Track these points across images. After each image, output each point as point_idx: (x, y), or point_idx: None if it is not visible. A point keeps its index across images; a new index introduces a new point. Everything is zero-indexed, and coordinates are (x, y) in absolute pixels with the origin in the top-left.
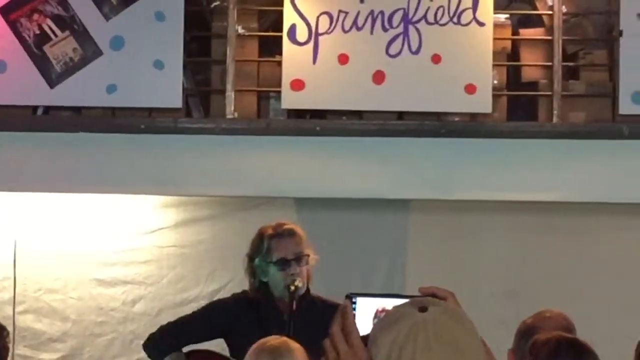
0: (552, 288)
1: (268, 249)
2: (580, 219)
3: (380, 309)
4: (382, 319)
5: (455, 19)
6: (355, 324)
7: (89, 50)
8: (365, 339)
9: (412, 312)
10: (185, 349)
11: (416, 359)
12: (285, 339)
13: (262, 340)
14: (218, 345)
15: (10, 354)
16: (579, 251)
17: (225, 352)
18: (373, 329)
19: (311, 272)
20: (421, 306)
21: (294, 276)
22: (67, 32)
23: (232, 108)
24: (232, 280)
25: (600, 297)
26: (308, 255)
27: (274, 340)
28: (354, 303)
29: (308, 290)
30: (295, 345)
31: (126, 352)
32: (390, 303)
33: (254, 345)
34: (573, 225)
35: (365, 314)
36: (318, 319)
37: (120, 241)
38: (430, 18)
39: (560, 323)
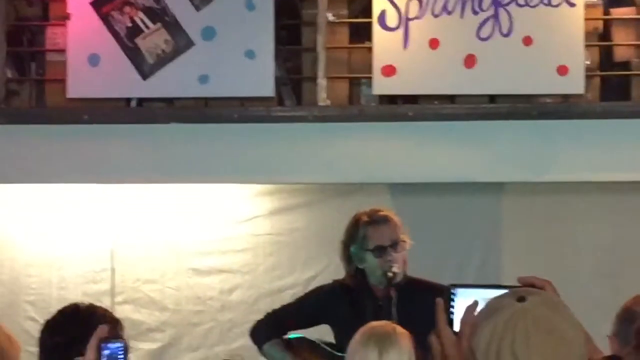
0: None
1: (364, 236)
2: None
3: (480, 299)
4: (482, 310)
5: (545, 0)
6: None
7: (181, 42)
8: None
9: (510, 303)
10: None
11: (515, 349)
12: (392, 324)
13: (370, 325)
14: (323, 330)
15: None
16: None
17: (330, 337)
18: (472, 322)
19: (406, 257)
20: (519, 296)
21: (391, 262)
22: (158, 24)
23: (324, 95)
24: (328, 267)
25: None
26: (404, 242)
27: (381, 325)
28: (454, 294)
29: (405, 274)
30: (402, 331)
31: (224, 341)
32: (490, 294)
33: (361, 330)
34: None
35: (465, 305)
36: (417, 302)
37: (215, 230)
38: (521, 0)
39: None
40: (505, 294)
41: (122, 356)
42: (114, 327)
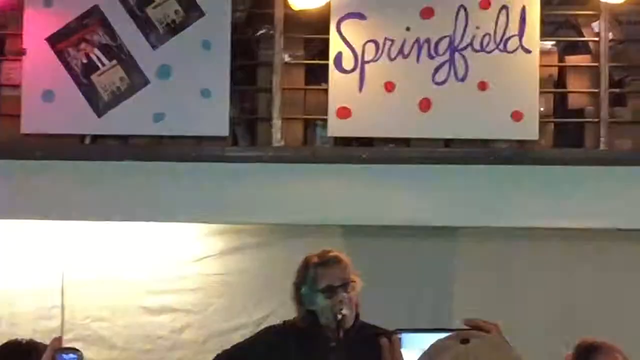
0: (603, 317)
1: (314, 277)
2: (629, 246)
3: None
4: (425, 352)
5: (501, 46)
6: (402, 358)
7: (136, 79)
8: None
9: (454, 345)
10: None
11: None
12: None
13: None
14: None
15: None
16: (630, 280)
17: None
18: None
19: (360, 298)
20: (463, 338)
21: (341, 304)
22: (114, 62)
23: (279, 136)
24: (279, 308)
25: None
26: (354, 282)
27: None
28: (400, 339)
29: (357, 316)
30: None
31: None
32: (436, 338)
33: None
34: (622, 252)
35: (411, 349)
36: (366, 346)
37: (166, 269)
38: (477, 45)
39: (614, 354)
40: (449, 335)
41: None
42: None
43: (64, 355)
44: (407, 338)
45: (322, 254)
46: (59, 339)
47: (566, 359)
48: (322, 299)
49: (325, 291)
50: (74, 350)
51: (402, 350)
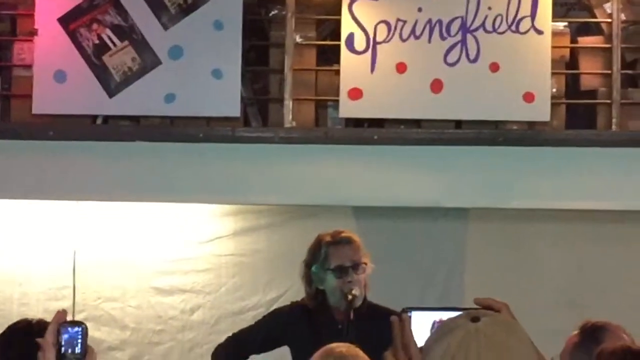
0: (611, 298)
1: (325, 256)
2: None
3: (437, 320)
4: (435, 330)
5: (513, 27)
6: (413, 337)
7: (148, 60)
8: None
9: (464, 323)
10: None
11: None
12: (352, 346)
13: (329, 345)
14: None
15: None
16: (639, 260)
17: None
18: (426, 340)
19: (368, 281)
20: (473, 317)
21: (351, 284)
22: (126, 42)
23: (290, 117)
24: (290, 289)
25: None
26: (365, 264)
27: (341, 346)
28: (410, 317)
29: (365, 298)
30: (361, 353)
31: None
32: (446, 316)
33: (320, 350)
34: (632, 233)
35: (421, 327)
36: (375, 327)
37: (178, 250)
38: (489, 26)
39: (620, 334)
40: (460, 314)
41: (81, 340)
42: None
43: (69, 328)
44: (416, 317)
45: (335, 233)
46: (63, 312)
47: (570, 339)
48: (331, 278)
49: (335, 270)
50: (78, 323)
51: (412, 329)
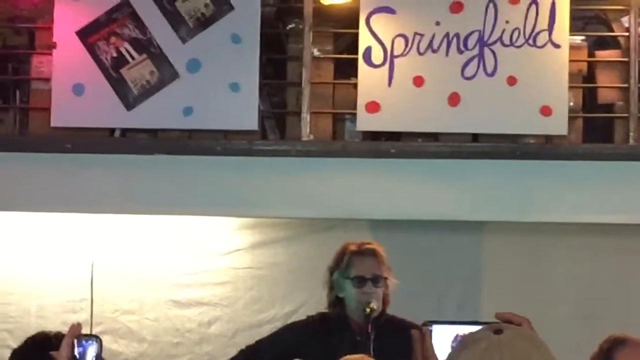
0: (630, 312)
1: (348, 264)
2: None
3: (460, 334)
4: (459, 343)
5: (530, 41)
6: (433, 350)
7: (166, 73)
8: None
9: (487, 335)
10: None
11: None
12: (366, 357)
13: (345, 357)
14: None
15: None
16: None
17: None
18: (450, 353)
19: (389, 296)
20: (496, 329)
21: (369, 296)
22: (144, 55)
23: (308, 130)
24: (308, 302)
25: None
26: (386, 278)
27: (356, 358)
28: (430, 330)
29: (384, 310)
30: None
31: None
32: (466, 329)
33: None
34: None
35: (441, 341)
36: (395, 339)
37: (196, 263)
38: (506, 40)
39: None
40: (482, 327)
41: (96, 353)
42: None
43: (83, 342)
44: (436, 330)
45: (361, 244)
46: (78, 326)
47: (592, 357)
48: (350, 288)
49: (354, 280)
50: (93, 336)
51: (433, 342)
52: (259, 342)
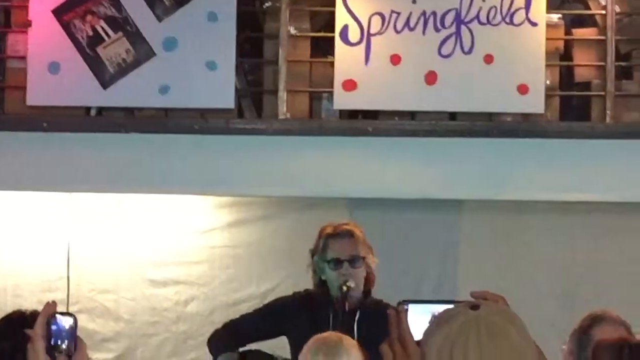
0: (606, 290)
1: (324, 247)
2: (634, 219)
3: (436, 313)
4: (435, 319)
5: (507, 19)
6: (409, 329)
7: (142, 51)
8: (419, 343)
9: (464, 311)
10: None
11: (467, 354)
12: (342, 335)
13: (320, 335)
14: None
15: None
16: (633, 251)
17: (285, 351)
18: (425, 329)
19: (373, 275)
20: (473, 305)
21: (346, 277)
22: (120, 33)
23: (285, 108)
24: (284, 281)
25: None
26: (363, 258)
27: (330, 336)
28: (406, 310)
29: (369, 292)
30: (350, 342)
31: (179, 352)
32: (442, 309)
33: (311, 340)
34: (627, 225)
35: (417, 320)
36: (373, 319)
37: (172, 242)
38: (483, 18)
39: (615, 324)
40: (459, 304)
41: (71, 331)
42: None
43: (58, 320)
44: (413, 309)
45: (338, 225)
46: (53, 304)
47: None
48: (328, 270)
49: (331, 262)
50: (68, 314)
51: (409, 321)
52: (244, 317)
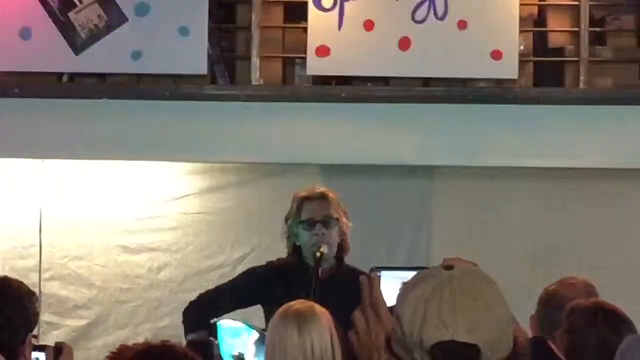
0: (578, 255)
1: (298, 209)
2: (607, 184)
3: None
4: (408, 281)
5: None
6: (382, 295)
7: (114, 17)
8: (391, 310)
9: (437, 271)
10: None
11: (441, 312)
12: (311, 303)
13: (288, 304)
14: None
15: None
16: (606, 217)
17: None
18: (399, 292)
19: (347, 241)
20: (447, 265)
21: (320, 238)
22: None
23: (258, 75)
24: (258, 247)
25: (626, 264)
26: (337, 219)
27: (299, 304)
28: (379, 277)
29: (342, 258)
30: (320, 309)
31: (151, 319)
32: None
33: (280, 309)
34: (600, 191)
35: (389, 287)
36: (345, 286)
37: (145, 208)
38: None
39: (584, 290)
40: (433, 267)
41: None
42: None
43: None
44: (385, 276)
45: (311, 189)
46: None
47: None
48: (302, 232)
49: (304, 223)
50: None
51: (381, 288)
52: (217, 288)
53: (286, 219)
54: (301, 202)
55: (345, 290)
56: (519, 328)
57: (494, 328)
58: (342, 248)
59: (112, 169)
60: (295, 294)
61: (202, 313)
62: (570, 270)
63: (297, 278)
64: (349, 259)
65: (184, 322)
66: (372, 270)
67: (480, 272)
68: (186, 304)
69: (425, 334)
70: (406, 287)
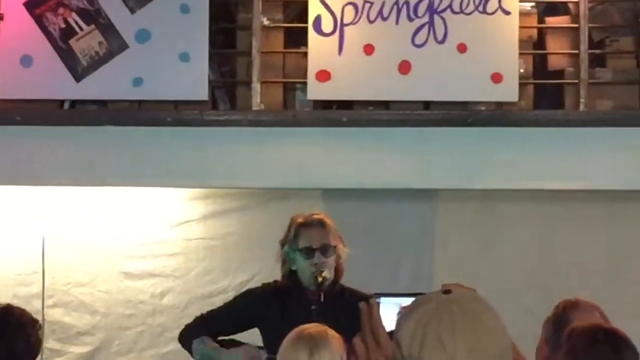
0: (580, 277)
1: (295, 236)
2: (608, 207)
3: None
4: (407, 305)
5: (480, 8)
6: (381, 322)
7: (115, 44)
8: (391, 335)
9: (436, 295)
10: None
11: (440, 333)
12: (324, 327)
13: (301, 327)
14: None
15: None
16: (607, 239)
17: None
18: (398, 315)
19: (343, 265)
20: (445, 289)
21: (318, 266)
22: (92, 26)
23: (258, 100)
24: (260, 272)
25: (629, 286)
26: (334, 247)
27: (312, 328)
28: (379, 303)
29: (337, 280)
30: (332, 334)
31: (155, 345)
32: None
33: (293, 332)
34: (601, 213)
35: (390, 313)
36: (346, 310)
37: (147, 234)
38: (456, 7)
39: (592, 312)
40: (431, 292)
41: None
42: (32, 327)
43: None
44: (386, 302)
45: (308, 215)
46: None
47: (546, 322)
48: (300, 259)
49: (302, 251)
50: None
51: (381, 314)
52: (213, 311)
53: (282, 244)
54: (298, 228)
55: (344, 313)
56: (519, 353)
57: (493, 352)
58: (337, 272)
59: (114, 195)
60: (292, 316)
61: (200, 334)
62: (575, 293)
63: (294, 300)
64: (350, 283)
65: (182, 344)
66: (372, 296)
67: (479, 297)
68: None
69: (424, 357)
70: (405, 311)
